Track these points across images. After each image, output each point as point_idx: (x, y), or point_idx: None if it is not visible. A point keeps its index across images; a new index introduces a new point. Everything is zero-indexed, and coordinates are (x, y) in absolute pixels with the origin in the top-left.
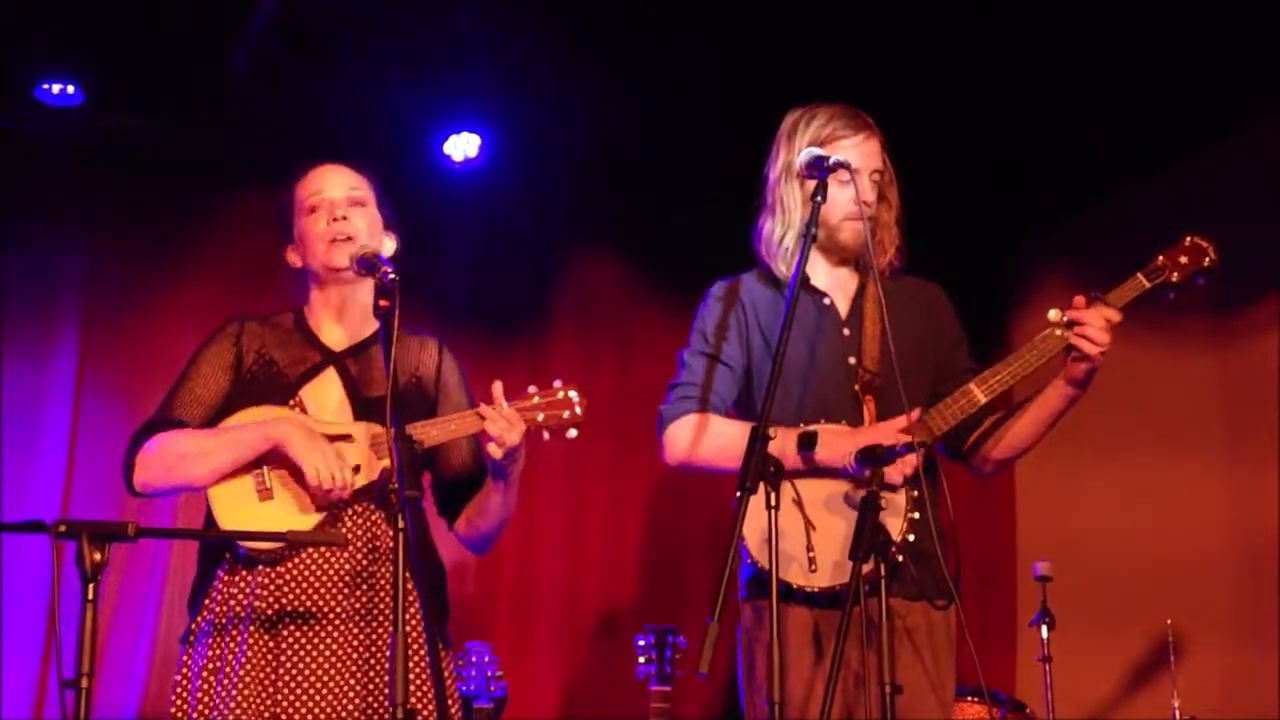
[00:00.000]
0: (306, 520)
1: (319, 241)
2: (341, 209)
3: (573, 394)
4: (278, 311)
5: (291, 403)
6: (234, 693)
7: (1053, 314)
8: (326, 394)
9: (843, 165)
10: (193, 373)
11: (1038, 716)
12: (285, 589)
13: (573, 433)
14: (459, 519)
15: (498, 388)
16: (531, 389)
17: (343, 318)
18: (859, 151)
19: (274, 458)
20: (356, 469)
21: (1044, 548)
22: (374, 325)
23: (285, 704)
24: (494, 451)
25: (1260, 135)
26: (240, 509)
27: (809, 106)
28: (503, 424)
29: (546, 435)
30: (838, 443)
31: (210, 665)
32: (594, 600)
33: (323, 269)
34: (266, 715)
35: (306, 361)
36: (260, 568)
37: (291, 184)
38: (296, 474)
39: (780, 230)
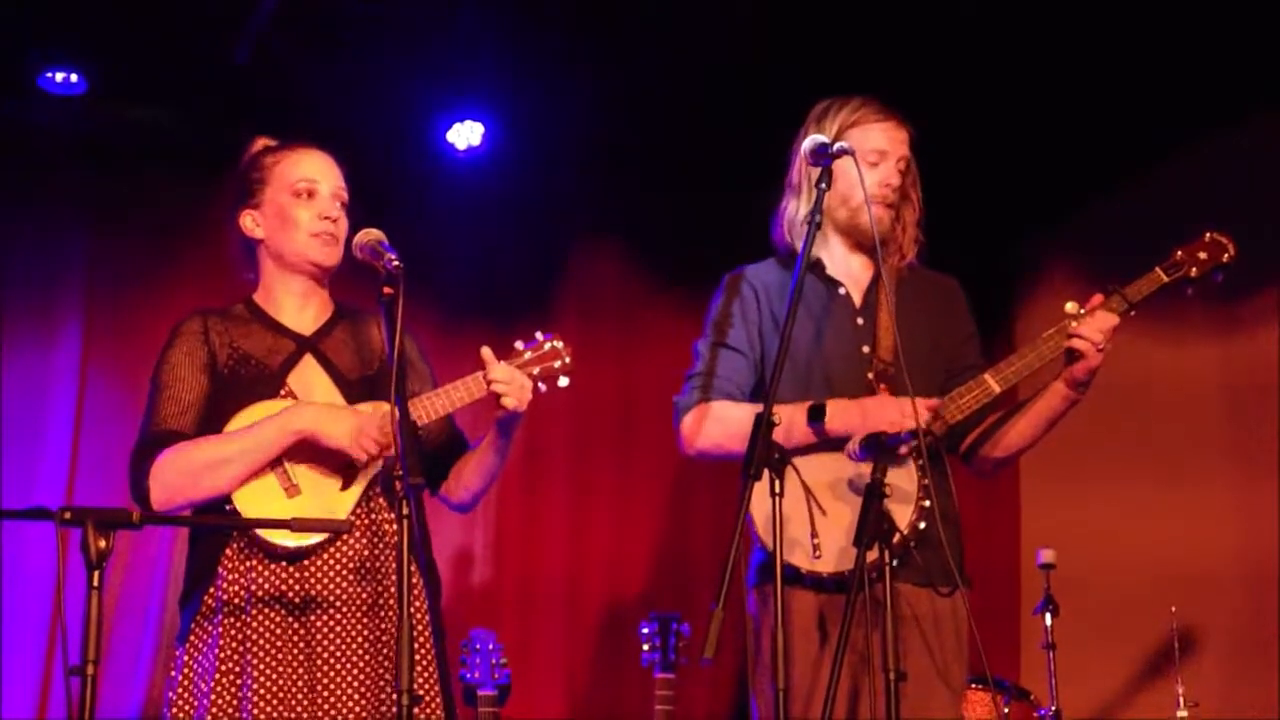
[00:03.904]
0: (340, 511)
1: (303, 232)
2: (335, 206)
3: (559, 344)
4: (230, 303)
5: (282, 393)
6: (267, 679)
7: (1070, 306)
8: (312, 381)
9: (846, 152)
10: (170, 379)
11: (1041, 704)
12: (308, 579)
13: (564, 381)
14: (448, 483)
15: (487, 352)
16: (519, 344)
17: (305, 303)
18: (888, 136)
19: (294, 451)
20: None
21: (1048, 535)
22: (333, 306)
23: (324, 692)
24: (510, 404)
25: (1263, 127)
26: (271, 511)
27: (835, 99)
28: (516, 385)
29: (543, 387)
30: (847, 414)
31: (224, 665)
32: (599, 587)
33: (301, 260)
34: (300, 701)
35: (282, 350)
36: (281, 562)
37: (272, 149)
38: (320, 462)
39: (805, 208)
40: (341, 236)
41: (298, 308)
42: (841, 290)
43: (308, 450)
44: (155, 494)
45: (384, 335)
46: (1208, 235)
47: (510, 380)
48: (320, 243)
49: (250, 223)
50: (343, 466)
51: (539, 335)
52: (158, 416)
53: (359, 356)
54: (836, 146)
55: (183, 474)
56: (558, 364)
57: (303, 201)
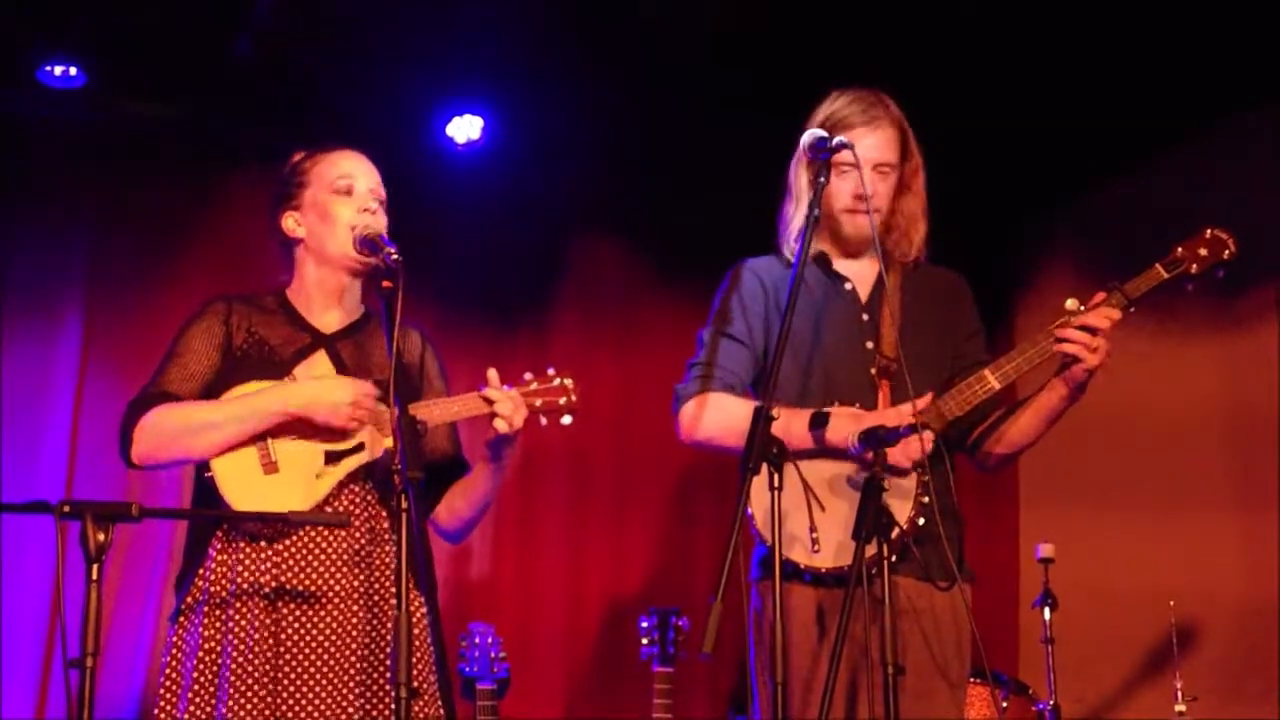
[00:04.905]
0: (314, 494)
1: (343, 226)
2: (373, 202)
3: (568, 381)
4: (259, 293)
5: (286, 380)
6: (235, 669)
7: (1070, 303)
8: (319, 376)
9: (845, 146)
10: (183, 349)
11: (1040, 698)
12: (286, 565)
13: (568, 419)
14: (438, 507)
15: (493, 374)
16: (528, 376)
17: (334, 303)
18: (864, 144)
19: (280, 428)
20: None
21: (1047, 529)
22: (361, 310)
23: (287, 681)
24: (501, 427)
25: (1265, 118)
26: (247, 484)
27: (840, 89)
28: (510, 405)
29: (544, 421)
30: (847, 426)
31: (206, 645)
32: (598, 581)
33: (343, 254)
34: (268, 692)
35: (297, 342)
36: (260, 544)
37: (311, 153)
38: (304, 442)
39: (802, 207)
40: (381, 231)
41: (326, 307)
42: (847, 285)
43: (294, 429)
44: (137, 448)
45: (384, 332)
46: (1208, 232)
47: (504, 400)
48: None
49: (292, 223)
50: (328, 445)
51: (550, 370)
52: (161, 378)
53: (373, 360)
54: (835, 141)
55: (167, 432)
56: (563, 400)
57: (342, 198)
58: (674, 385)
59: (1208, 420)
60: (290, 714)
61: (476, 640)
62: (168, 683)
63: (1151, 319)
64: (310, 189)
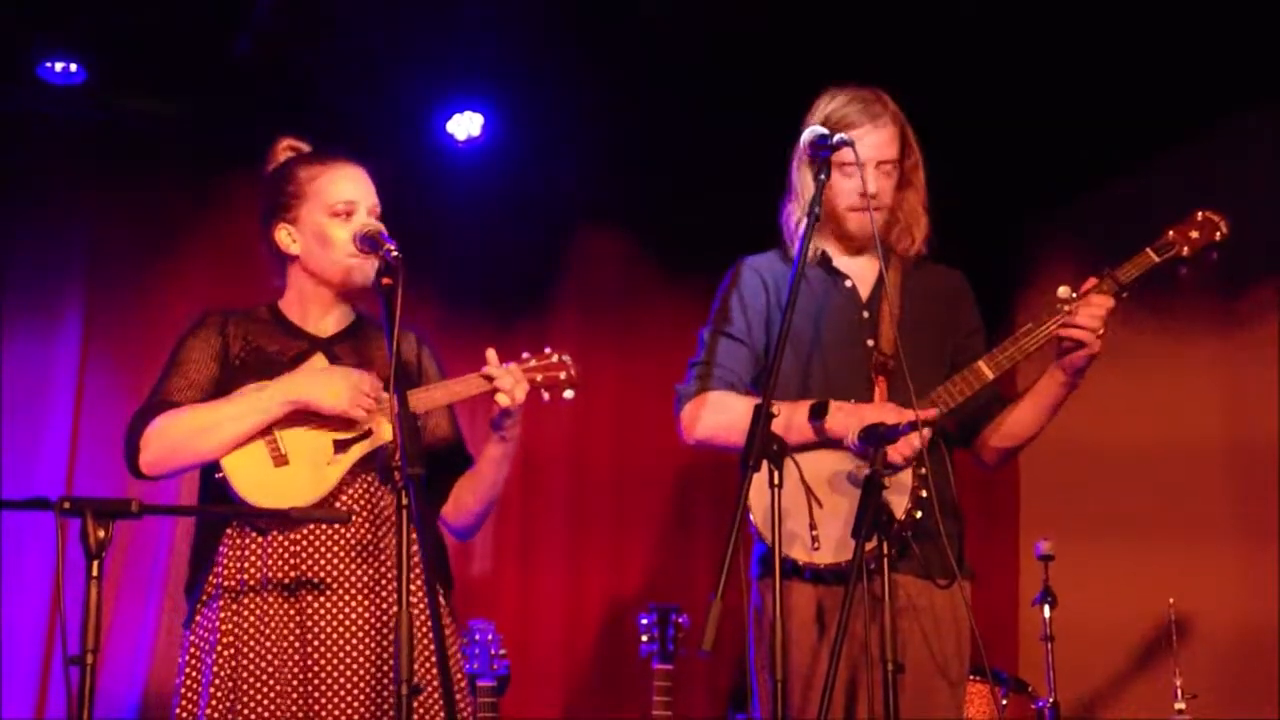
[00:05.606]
0: (324, 483)
1: (343, 252)
2: (373, 224)
3: (566, 358)
4: (252, 306)
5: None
6: (261, 661)
7: (1062, 291)
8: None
9: (846, 143)
10: (183, 359)
11: (1039, 696)
12: (303, 556)
13: (569, 393)
14: (446, 506)
15: (491, 353)
16: (525, 355)
17: (327, 309)
18: (867, 142)
19: (286, 420)
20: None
21: (1047, 526)
22: (353, 315)
23: (317, 669)
24: (504, 401)
25: (1265, 118)
26: (258, 478)
27: (835, 87)
28: (511, 379)
29: (546, 396)
30: (847, 418)
31: (225, 639)
32: (598, 581)
33: (341, 280)
34: (296, 683)
35: (294, 349)
36: (271, 535)
37: (308, 163)
38: (311, 432)
39: (799, 213)
40: (380, 229)
41: (321, 315)
42: (848, 283)
43: (300, 419)
44: (145, 457)
45: (384, 329)
46: (1199, 214)
47: (504, 375)
48: (359, 263)
49: (286, 238)
50: (336, 434)
51: (547, 349)
52: (163, 388)
53: (370, 361)
54: (836, 138)
55: (173, 438)
56: (563, 375)
57: (341, 221)
58: (675, 386)
59: (1207, 419)
60: (327, 701)
61: (477, 637)
62: (188, 681)
63: (1151, 319)
64: (307, 205)
